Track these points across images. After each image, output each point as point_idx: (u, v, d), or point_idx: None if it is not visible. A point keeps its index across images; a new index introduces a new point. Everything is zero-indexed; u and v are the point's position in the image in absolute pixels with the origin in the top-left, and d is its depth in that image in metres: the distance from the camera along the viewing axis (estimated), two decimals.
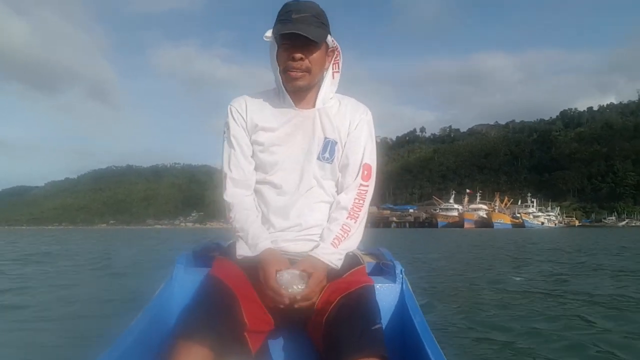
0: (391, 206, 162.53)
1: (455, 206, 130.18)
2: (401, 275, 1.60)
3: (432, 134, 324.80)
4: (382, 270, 1.75)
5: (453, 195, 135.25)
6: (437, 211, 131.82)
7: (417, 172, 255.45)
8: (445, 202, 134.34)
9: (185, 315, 1.25)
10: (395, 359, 1.24)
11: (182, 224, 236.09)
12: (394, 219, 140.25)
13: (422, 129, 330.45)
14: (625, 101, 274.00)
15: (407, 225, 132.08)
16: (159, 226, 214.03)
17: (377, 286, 1.48)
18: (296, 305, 1.27)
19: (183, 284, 1.51)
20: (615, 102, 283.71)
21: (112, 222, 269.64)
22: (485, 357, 2.85)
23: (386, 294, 1.55)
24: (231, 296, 1.27)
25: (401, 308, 1.53)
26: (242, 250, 1.39)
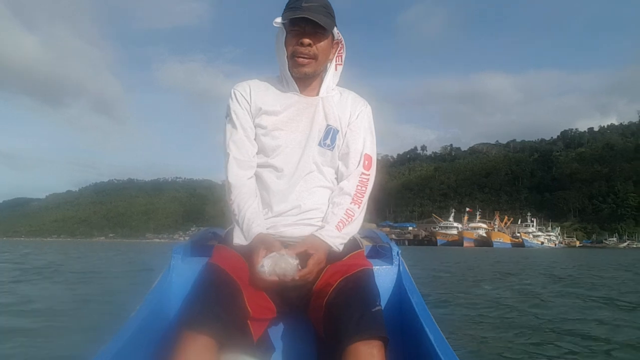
0: (390, 223, 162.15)
1: (455, 224, 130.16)
2: (398, 257, 1.61)
3: (433, 152, 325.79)
4: (379, 252, 1.75)
5: (453, 214, 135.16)
6: (437, 229, 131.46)
7: (418, 190, 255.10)
8: (444, 220, 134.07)
9: (188, 304, 1.24)
10: (394, 340, 1.26)
11: (181, 238, 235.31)
12: (393, 236, 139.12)
13: (423, 147, 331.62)
14: (625, 122, 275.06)
15: (407, 242, 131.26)
16: (158, 240, 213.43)
17: (375, 268, 1.48)
18: (290, 280, 1.26)
19: (181, 274, 1.51)
20: (616, 123, 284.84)
21: (111, 235, 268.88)
22: (481, 337, 3.45)
23: (384, 276, 1.56)
24: (233, 284, 1.27)
25: (399, 289, 1.54)
26: (238, 239, 1.40)
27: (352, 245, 1.48)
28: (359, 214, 1.48)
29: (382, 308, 1.29)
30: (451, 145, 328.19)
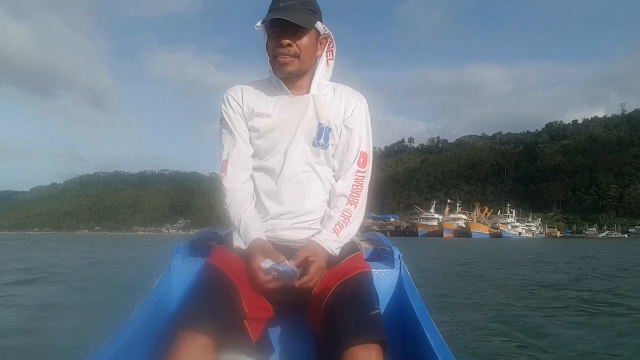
0: (374, 215, 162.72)
1: (436, 216, 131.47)
2: (399, 261, 1.60)
3: (420, 144, 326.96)
4: (381, 256, 1.74)
5: (434, 205, 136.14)
6: (419, 220, 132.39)
7: (405, 182, 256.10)
8: (426, 212, 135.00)
9: (185, 305, 1.25)
10: (395, 344, 1.25)
11: (168, 231, 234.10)
12: (376, 227, 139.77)
13: (411, 140, 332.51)
14: (609, 115, 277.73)
15: (389, 234, 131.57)
16: (143, 233, 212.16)
17: (376, 272, 1.49)
18: (297, 285, 1.27)
19: (182, 274, 1.52)
20: (607, 115, 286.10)
21: (97, 228, 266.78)
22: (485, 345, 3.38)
23: (385, 280, 1.55)
24: (230, 285, 1.28)
25: (400, 293, 1.53)
26: (238, 242, 1.41)
27: (351, 248, 1.47)
28: (357, 214, 1.46)
29: (383, 312, 1.28)
30: (438, 137, 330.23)
